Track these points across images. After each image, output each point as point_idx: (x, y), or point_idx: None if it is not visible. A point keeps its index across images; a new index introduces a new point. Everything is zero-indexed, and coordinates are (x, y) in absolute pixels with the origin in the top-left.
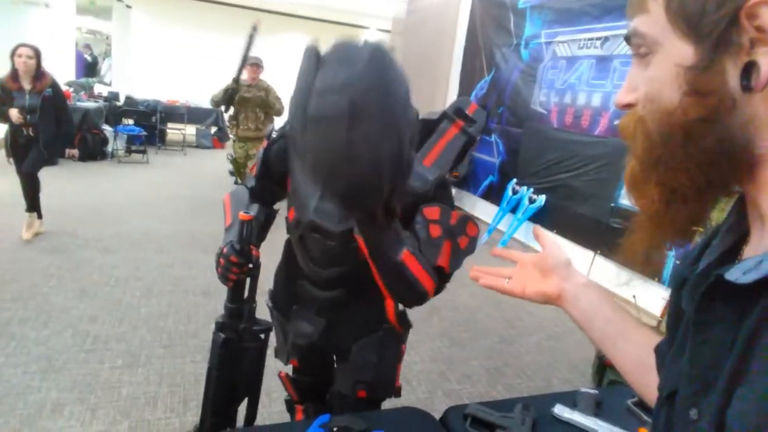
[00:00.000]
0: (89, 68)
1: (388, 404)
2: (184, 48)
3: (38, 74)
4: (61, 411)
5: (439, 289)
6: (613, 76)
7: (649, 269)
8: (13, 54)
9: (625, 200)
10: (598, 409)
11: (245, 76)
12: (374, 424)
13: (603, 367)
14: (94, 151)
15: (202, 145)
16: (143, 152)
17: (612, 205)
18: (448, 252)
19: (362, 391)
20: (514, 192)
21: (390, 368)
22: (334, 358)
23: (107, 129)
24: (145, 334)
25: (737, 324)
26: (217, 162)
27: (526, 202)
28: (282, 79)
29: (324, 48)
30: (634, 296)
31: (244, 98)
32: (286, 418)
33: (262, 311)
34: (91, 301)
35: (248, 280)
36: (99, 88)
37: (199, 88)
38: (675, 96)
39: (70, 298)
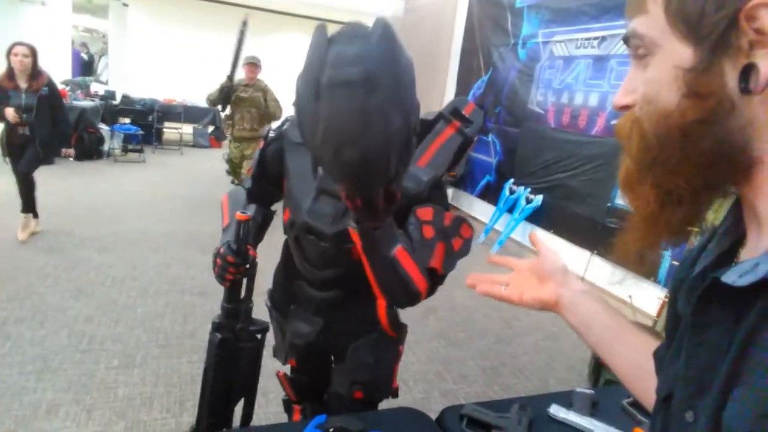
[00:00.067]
0: (86, 67)
1: (384, 404)
2: (181, 47)
3: (34, 73)
4: (56, 412)
5: (431, 291)
6: (610, 75)
7: (644, 269)
8: (8, 52)
9: (621, 200)
10: (593, 409)
11: (242, 75)
12: (370, 425)
13: (599, 367)
14: (90, 151)
15: (199, 144)
16: (140, 151)
17: (608, 205)
18: (441, 253)
19: (359, 392)
20: (511, 192)
21: (387, 369)
22: (332, 358)
23: (104, 128)
24: (141, 334)
25: (733, 326)
26: (214, 161)
27: (523, 202)
28: (279, 78)
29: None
30: (629, 296)
31: (241, 98)
32: (282, 418)
33: (259, 311)
34: (88, 301)
35: (245, 280)
36: (95, 87)
37: (196, 87)
38: (673, 97)
39: (67, 298)
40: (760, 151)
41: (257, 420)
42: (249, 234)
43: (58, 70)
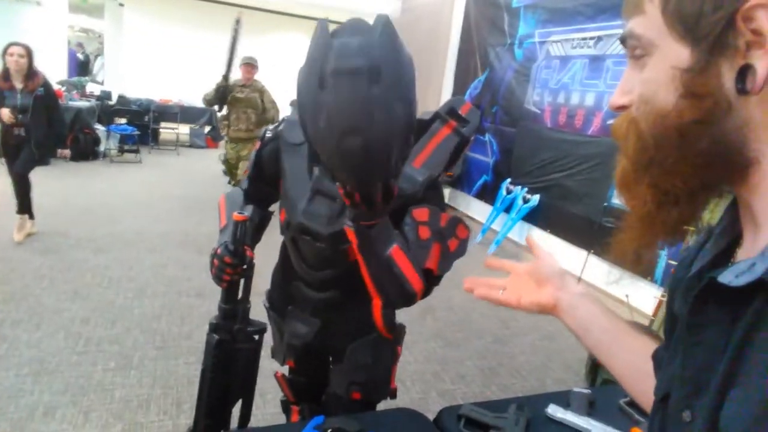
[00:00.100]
0: (81, 67)
1: (382, 405)
2: (177, 47)
3: (30, 73)
4: (53, 414)
5: (427, 292)
6: (606, 75)
7: (641, 268)
8: (4, 53)
9: (617, 200)
10: (591, 408)
11: (239, 75)
12: (368, 426)
13: (596, 366)
14: (86, 151)
15: (195, 144)
16: (136, 152)
17: (605, 204)
18: (437, 254)
19: (357, 393)
20: (508, 191)
21: (384, 370)
22: (330, 359)
23: (99, 128)
24: (138, 335)
25: (730, 326)
26: (211, 161)
27: (520, 201)
28: (276, 78)
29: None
30: (626, 295)
31: (237, 98)
32: (280, 419)
33: (257, 312)
34: (84, 303)
35: (242, 281)
36: (91, 87)
37: (192, 87)
38: (670, 98)
39: (63, 300)
40: (757, 152)
41: (255, 421)
42: (246, 235)
43: (54, 70)
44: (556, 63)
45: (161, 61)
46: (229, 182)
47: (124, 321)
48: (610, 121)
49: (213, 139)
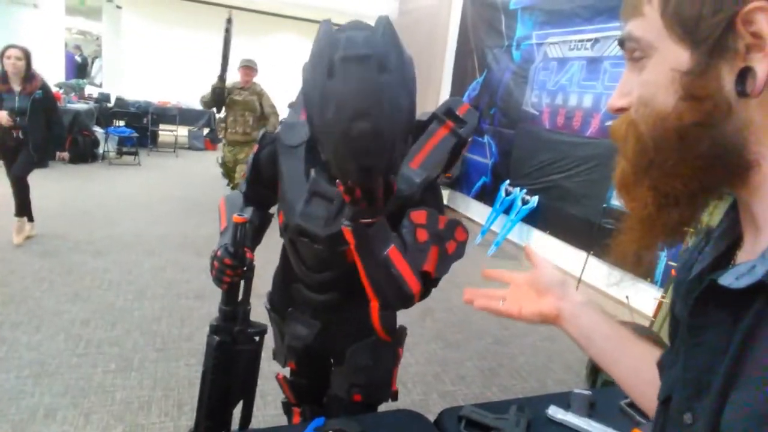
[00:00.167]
0: (79, 69)
1: (383, 406)
2: (175, 49)
3: (28, 76)
4: (54, 416)
5: (425, 294)
6: (603, 77)
7: (641, 269)
8: (1, 56)
9: (616, 201)
10: (591, 410)
11: (238, 77)
12: (369, 427)
13: (597, 368)
14: (84, 153)
15: (194, 146)
16: (135, 154)
17: (604, 205)
18: (435, 257)
19: (358, 395)
20: (507, 193)
21: (385, 372)
22: (331, 361)
23: (98, 131)
24: (138, 337)
25: (731, 328)
26: (210, 163)
27: (519, 203)
28: (274, 80)
29: None
30: (626, 297)
31: (234, 100)
32: (281, 420)
33: (257, 314)
34: (84, 305)
35: (242, 282)
36: (89, 90)
37: (191, 90)
38: (669, 100)
39: (63, 302)
40: (757, 154)
41: (256, 423)
42: (246, 236)
43: (52, 72)
44: (554, 65)
45: (159, 64)
46: (228, 185)
47: (124, 323)
48: (609, 123)
49: (211, 141)
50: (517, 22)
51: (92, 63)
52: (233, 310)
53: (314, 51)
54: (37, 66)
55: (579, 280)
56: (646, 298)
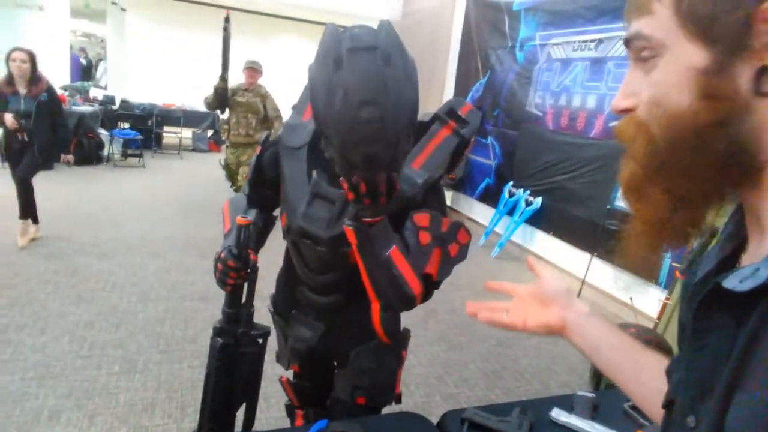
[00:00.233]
0: (84, 72)
1: (386, 409)
2: (180, 51)
3: (34, 78)
4: (58, 418)
5: (427, 296)
6: (607, 78)
7: (646, 271)
8: (7, 58)
9: (620, 202)
10: (594, 412)
11: (242, 79)
12: (371, 429)
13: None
14: (90, 156)
15: (198, 148)
16: (139, 156)
17: (608, 207)
18: (437, 260)
19: (361, 398)
20: (511, 194)
21: (389, 374)
22: (335, 363)
23: (103, 133)
24: (142, 339)
25: (735, 331)
26: (214, 165)
27: (522, 204)
28: (277, 81)
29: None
30: (631, 298)
31: (238, 102)
32: (283, 423)
33: (261, 316)
34: (88, 307)
35: (246, 284)
36: (94, 92)
37: (195, 91)
38: (684, 100)
39: (67, 304)
40: None
41: (259, 425)
42: (250, 238)
43: (57, 75)
44: (558, 65)
45: (164, 66)
46: (231, 187)
47: (128, 325)
48: (613, 124)
49: (216, 143)
50: (520, 22)
51: (97, 65)
52: (236, 312)
53: (320, 51)
54: (43, 68)
55: (583, 282)
56: (650, 300)
